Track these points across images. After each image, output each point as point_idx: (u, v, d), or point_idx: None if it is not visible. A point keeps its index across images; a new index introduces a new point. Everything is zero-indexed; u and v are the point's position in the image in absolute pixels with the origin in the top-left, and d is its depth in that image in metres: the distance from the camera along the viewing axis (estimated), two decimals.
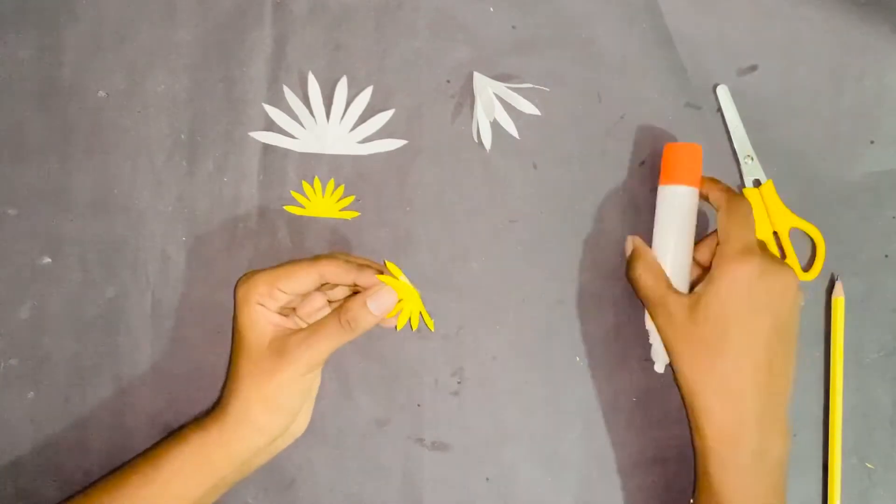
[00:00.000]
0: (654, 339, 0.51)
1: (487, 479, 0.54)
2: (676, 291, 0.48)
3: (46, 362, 0.53)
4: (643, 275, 0.49)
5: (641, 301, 0.50)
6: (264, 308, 0.47)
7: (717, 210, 0.50)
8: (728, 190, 0.50)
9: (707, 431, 0.46)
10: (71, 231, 0.53)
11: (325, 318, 0.47)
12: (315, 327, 0.47)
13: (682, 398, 0.48)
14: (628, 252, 0.51)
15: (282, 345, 0.46)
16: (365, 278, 0.47)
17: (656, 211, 0.52)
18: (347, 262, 0.48)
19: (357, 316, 0.46)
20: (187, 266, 0.53)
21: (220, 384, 0.53)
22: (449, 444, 0.54)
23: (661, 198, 0.52)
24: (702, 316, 0.46)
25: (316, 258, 0.48)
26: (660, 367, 0.51)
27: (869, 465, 0.55)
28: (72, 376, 0.53)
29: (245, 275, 0.49)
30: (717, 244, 0.48)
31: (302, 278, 0.47)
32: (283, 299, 0.48)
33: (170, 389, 0.53)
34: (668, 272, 0.50)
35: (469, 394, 0.54)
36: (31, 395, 0.53)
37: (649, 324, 0.52)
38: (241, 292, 0.48)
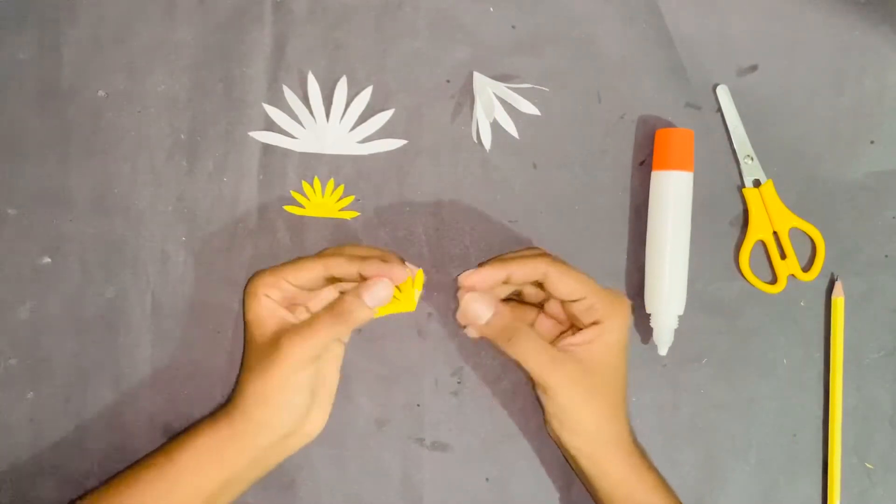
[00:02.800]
0: (656, 324, 0.52)
1: (487, 479, 0.54)
2: (559, 352, 0.48)
3: (46, 362, 0.53)
4: (530, 351, 0.47)
5: (526, 372, 0.48)
6: (269, 299, 0.48)
7: (541, 279, 0.48)
8: (537, 256, 0.48)
9: (600, 447, 0.49)
10: (71, 231, 0.53)
11: (319, 311, 0.48)
12: (308, 321, 0.47)
13: (558, 421, 0.49)
14: (501, 336, 0.47)
15: (278, 339, 0.47)
16: (369, 268, 0.47)
17: (650, 198, 0.53)
18: (351, 255, 0.48)
19: (350, 307, 0.47)
20: (187, 266, 0.53)
21: (220, 384, 0.53)
22: (449, 444, 0.54)
23: (655, 184, 0.52)
24: (596, 364, 0.48)
25: (321, 252, 0.49)
26: (663, 351, 0.52)
27: (869, 465, 0.55)
28: (72, 376, 0.53)
29: (254, 274, 0.50)
30: (568, 300, 0.48)
31: (307, 271, 0.48)
32: (289, 291, 0.48)
33: (170, 389, 0.53)
34: (667, 259, 0.51)
35: (469, 394, 0.54)
36: (30, 395, 0.53)
37: (650, 308, 0.52)
38: (248, 286, 0.49)
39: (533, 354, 0.47)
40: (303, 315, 0.50)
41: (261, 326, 0.48)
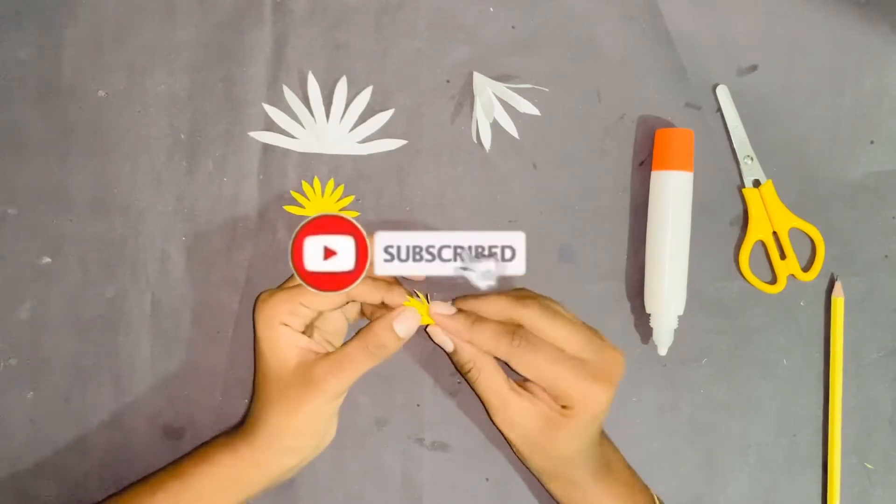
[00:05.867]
0: (656, 324, 0.52)
1: (487, 479, 0.54)
2: (515, 395, 0.47)
3: (46, 362, 0.53)
4: (485, 391, 0.48)
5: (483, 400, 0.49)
6: (288, 328, 0.46)
7: (504, 359, 0.47)
8: (502, 335, 0.46)
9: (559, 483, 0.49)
10: (71, 231, 0.53)
11: (351, 344, 0.46)
12: (341, 356, 0.46)
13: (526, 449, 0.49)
14: (462, 368, 0.48)
15: (308, 373, 0.45)
16: (394, 297, 0.47)
17: (650, 198, 0.53)
18: (375, 280, 0.47)
19: (386, 342, 0.46)
20: (187, 266, 0.53)
21: (221, 384, 0.53)
22: (449, 444, 0.54)
23: (655, 184, 0.52)
24: (565, 433, 0.46)
25: None
26: (663, 351, 0.52)
27: (868, 465, 0.55)
28: (72, 376, 0.53)
29: (264, 294, 0.48)
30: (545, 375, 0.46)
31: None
32: (307, 316, 0.47)
33: (170, 389, 0.53)
34: (667, 259, 0.51)
35: (469, 394, 0.54)
36: (30, 395, 0.53)
37: (650, 309, 0.52)
38: (262, 313, 0.46)
39: (486, 394, 0.48)
40: (319, 338, 0.49)
41: (280, 356, 0.46)
